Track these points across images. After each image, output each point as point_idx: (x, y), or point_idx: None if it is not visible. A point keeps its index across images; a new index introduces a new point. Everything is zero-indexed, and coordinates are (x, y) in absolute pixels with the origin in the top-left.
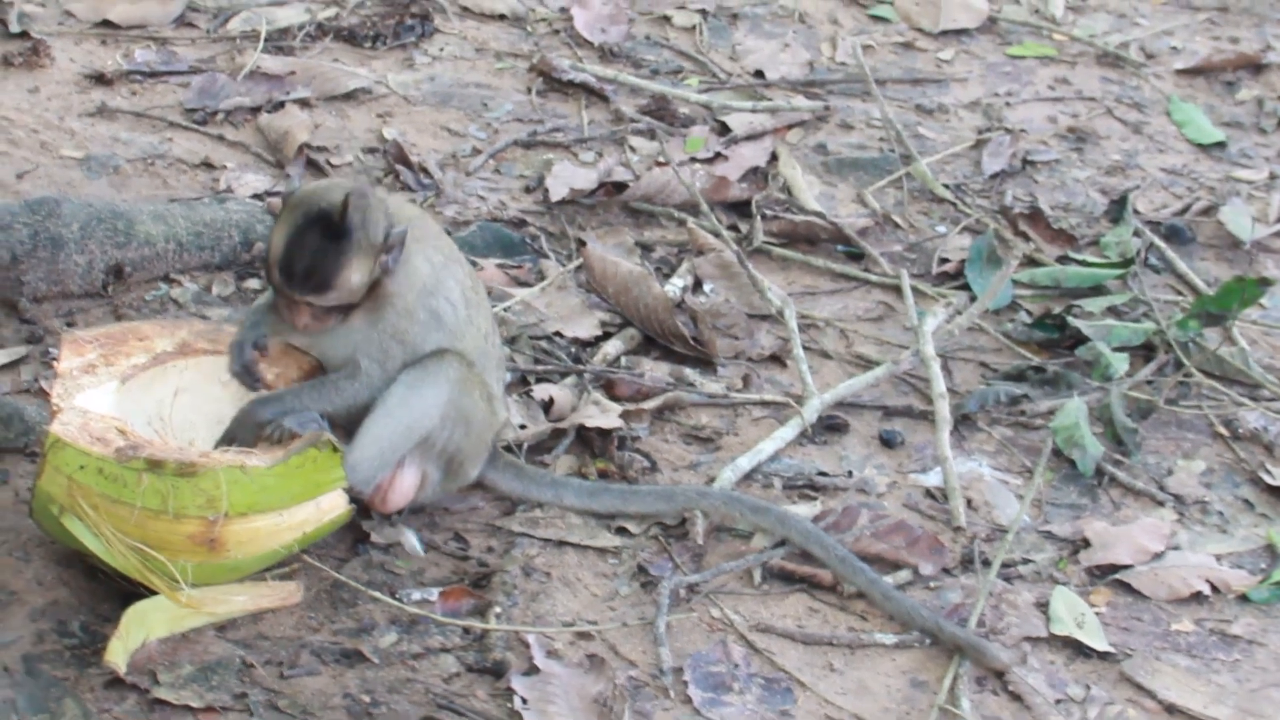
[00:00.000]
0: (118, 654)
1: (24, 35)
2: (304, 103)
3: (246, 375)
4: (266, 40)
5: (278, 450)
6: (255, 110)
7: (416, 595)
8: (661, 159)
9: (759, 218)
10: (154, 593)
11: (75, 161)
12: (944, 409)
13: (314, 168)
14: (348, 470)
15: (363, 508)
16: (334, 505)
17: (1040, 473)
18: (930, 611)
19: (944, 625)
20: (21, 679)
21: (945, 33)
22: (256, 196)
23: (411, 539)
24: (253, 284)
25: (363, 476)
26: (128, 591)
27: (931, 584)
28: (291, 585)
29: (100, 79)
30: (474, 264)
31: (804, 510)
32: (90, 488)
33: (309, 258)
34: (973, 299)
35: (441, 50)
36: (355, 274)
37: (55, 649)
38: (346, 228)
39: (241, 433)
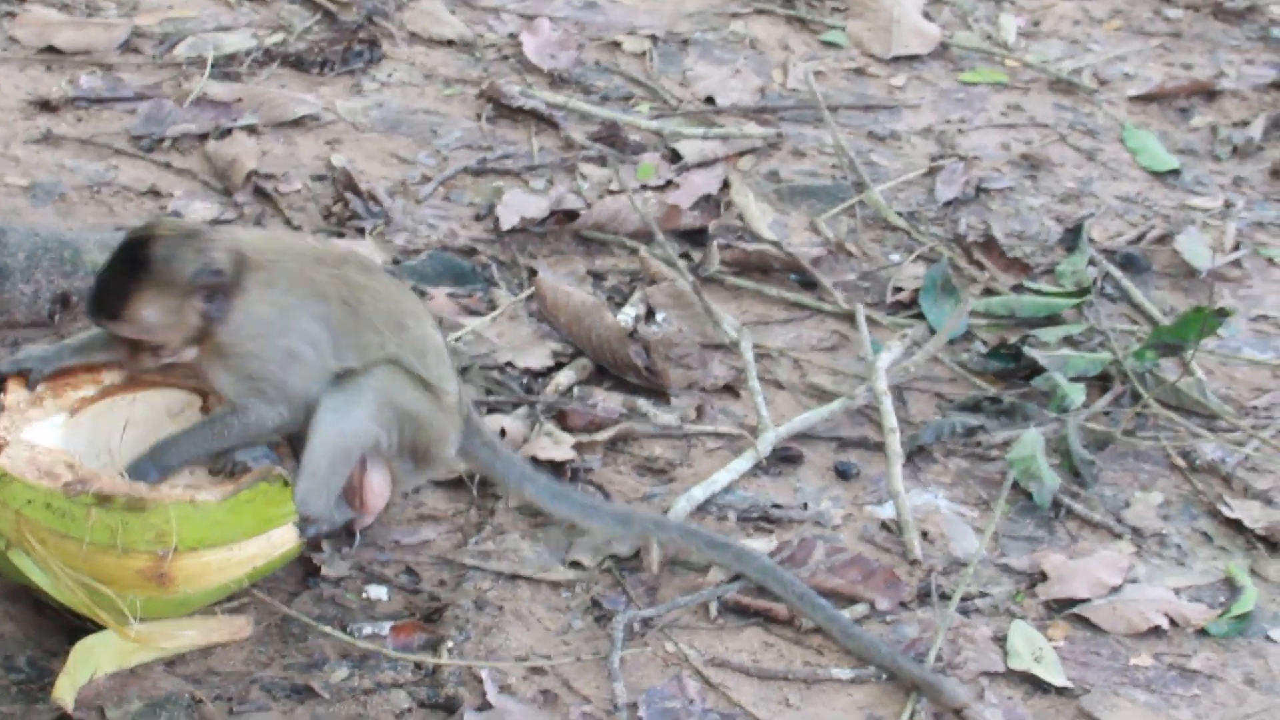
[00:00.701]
0: (65, 690)
1: None
2: (251, 129)
3: None
4: (213, 66)
5: (228, 484)
6: (202, 137)
7: (368, 629)
8: (614, 187)
9: (714, 246)
10: (101, 628)
11: (20, 189)
12: (895, 444)
13: (262, 195)
14: (300, 507)
15: (313, 541)
16: (285, 539)
17: (999, 506)
18: (889, 647)
19: (901, 662)
20: None
21: (897, 59)
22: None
23: (378, 590)
24: None
25: (316, 510)
26: (75, 626)
27: (888, 618)
28: (241, 619)
29: (45, 105)
30: (423, 293)
31: (760, 544)
32: (38, 522)
33: (106, 283)
34: (929, 329)
35: (390, 76)
36: (150, 308)
37: (1, 684)
38: (144, 259)
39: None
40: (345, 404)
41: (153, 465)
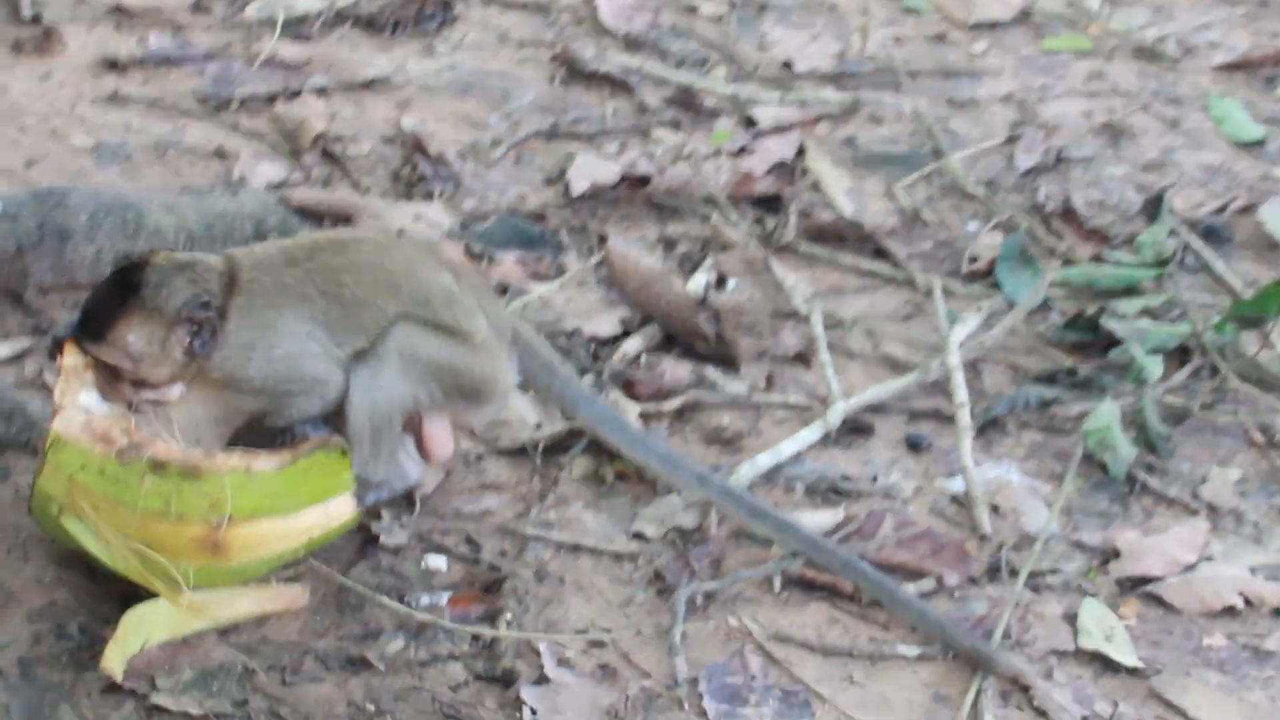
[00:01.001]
0: (114, 660)
1: (35, 21)
2: (321, 91)
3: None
4: (283, 28)
5: (285, 453)
6: (271, 99)
7: (425, 600)
8: (687, 152)
9: (790, 214)
10: (154, 595)
11: (85, 150)
12: (965, 417)
13: (330, 158)
14: (363, 474)
15: (372, 509)
16: (342, 510)
17: (1070, 479)
18: (941, 616)
19: (953, 631)
20: (16, 683)
21: (978, 25)
22: (271, 187)
23: (436, 560)
24: None
25: (377, 479)
26: (128, 593)
27: (956, 594)
28: (296, 589)
29: (113, 65)
30: (490, 259)
31: (827, 516)
32: (91, 488)
33: (93, 306)
34: (1006, 299)
35: (462, 39)
36: (134, 335)
37: (52, 652)
38: (134, 285)
39: None
40: (371, 374)
41: None
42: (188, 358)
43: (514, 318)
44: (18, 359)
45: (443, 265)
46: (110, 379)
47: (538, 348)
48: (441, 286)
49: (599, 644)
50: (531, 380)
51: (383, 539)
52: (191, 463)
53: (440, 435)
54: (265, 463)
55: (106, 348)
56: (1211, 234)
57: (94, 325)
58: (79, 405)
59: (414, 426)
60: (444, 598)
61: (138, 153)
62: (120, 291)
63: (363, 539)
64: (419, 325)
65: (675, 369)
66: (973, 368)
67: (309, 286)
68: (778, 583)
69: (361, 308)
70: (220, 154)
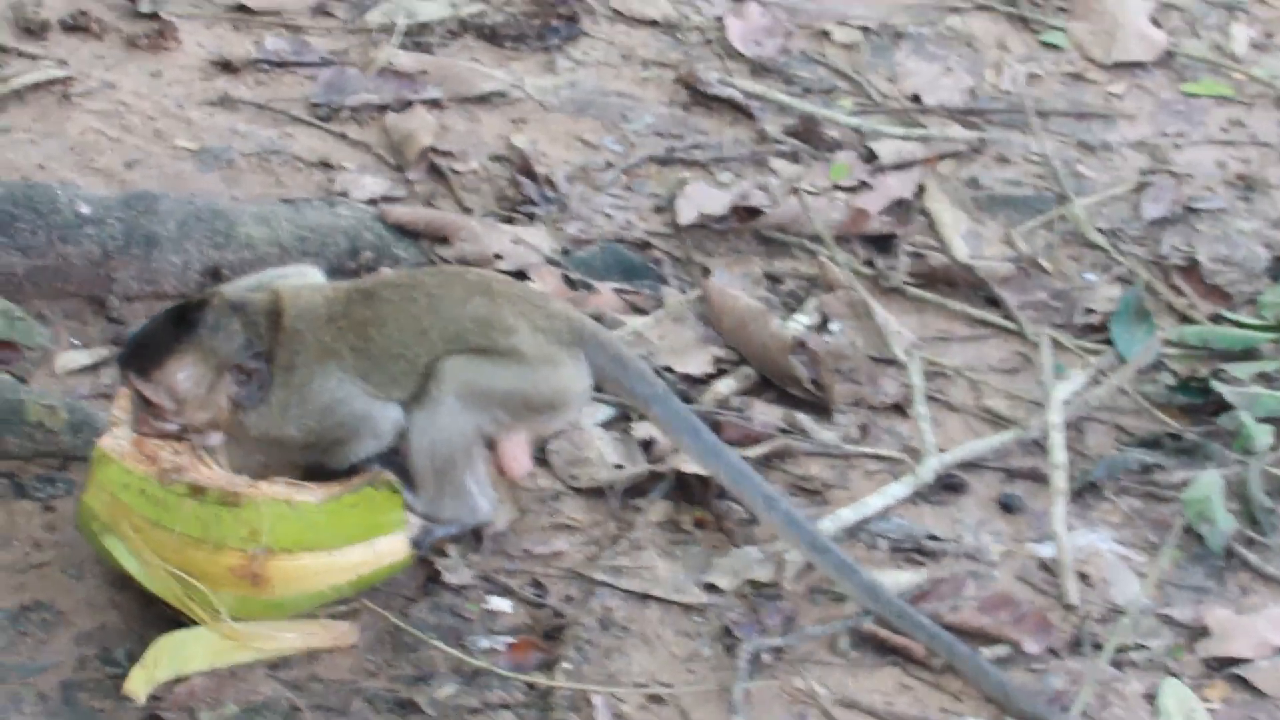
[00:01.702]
0: (138, 683)
1: (154, 16)
2: (434, 103)
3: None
4: (404, 35)
5: (332, 487)
6: (383, 109)
7: (484, 644)
8: (798, 186)
9: (901, 255)
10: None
11: (188, 153)
12: (1060, 481)
13: (436, 173)
14: (430, 513)
15: (439, 546)
16: (393, 549)
17: (1167, 550)
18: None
19: (1015, 696)
20: (58, 707)
21: (1118, 65)
22: (371, 201)
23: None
24: None
25: (445, 516)
26: (180, 620)
27: (1035, 665)
28: (346, 626)
29: (226, 66)
30: (589, 286)
31: (909, 576)
32: (132, 508)
33: (144, 339)
34: (1117, 356)
35: (586, 55)
36: (182, 374)
37: (96, 677)
38: (191, 321)
39: None
40: (427, 414)
41: None
42: (232, 406)
43: (575, 315)
44: (94, 368)
45: (472, 289)
46: (151, 416)
47: (605, 341)
48: (470, 315)
49: (658, 699)
50: (602, 376)
51: (446, 576)
52: (231, 490)
53: (516, 452)
54: (308, 495)
55: (152, 384)
56: None
57: (143, 360)
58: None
59: (488, 450)
60: (502, 642)
61: (240, 159)
62: (174, 328)
63: (425, 575)
64: (464, 356)
65: (766, 413)
66: (1075, 427)
67: (342, 344)
68: (846, 642)
69: (390, 360)
70: (324, 164)
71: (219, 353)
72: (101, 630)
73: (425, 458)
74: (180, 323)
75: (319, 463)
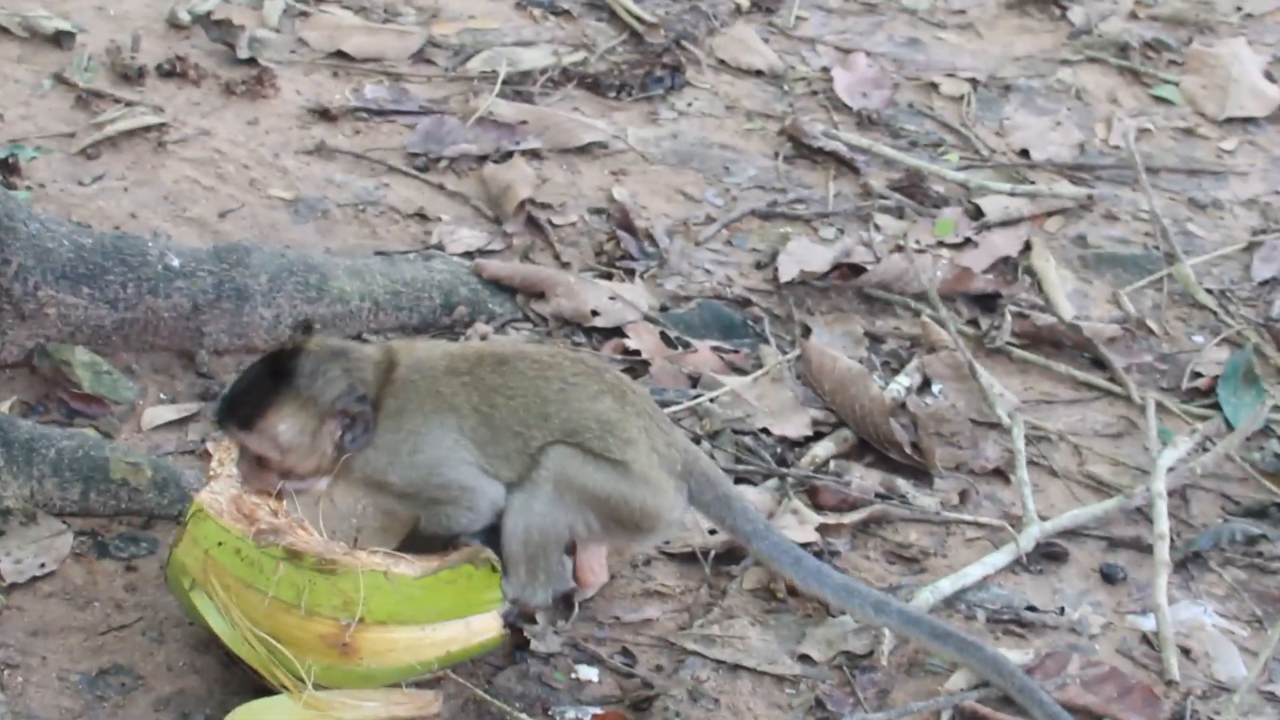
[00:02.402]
0: None
1: (251, 62)
2: (534, 154)
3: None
4: (506, 83)
5: (431, 560)
6: (482, 159)
7: (571, 714)
8: (903, 243)
9: (1007, 316)
10: (278, 688)
11: (283, 202)
12: (1163, 552)
13: (534, 226)
14: (522, 598)
15: (525, 613)
16: (486, 627)
17: (1274, 626)
18: None
19: None
20: None
21: (1231, 120)
22: (468, 255)
23: (588, 671)
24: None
25: (535, 603)
26: (259, 687)
27: None
28: (429, 695)
29: (324, 114)
30: (687, 345)
31: (1009, 650)
32: (225, 566)
33: (243, 391)
34: (1225, 421)
35: (690, 105)
36: (285, 425)
37: None
38: (289, 370)
39: None
40: (525, 500)
41: None
42: (337, 452)
43: (692, 448)
44: (182, 423)
45: (606, 389)
46: (256, 467)
47: (714, 479)
48: (597, 414)
49: None
50: (707, 510)
51: (534, 644)
52: (328, 556)
53: (594, 564)
54: (407, 568)
55: (255, 436)
56: None
57: (243, 412)
58: (233, 476)
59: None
60: (589, 714)
61: (335, 209)
62: (272, 378)
63: (513, 643)
64: (576, 451)
65: (864, 478)
66: (1180, 495)
67: (462, 399)
68: (946, 717)
69: (509, 435)
70: (421, 215)
71: (320, 399)
72: (180, 695)
73: (519, 542)
74: (277, 372)
75: (415, 520)
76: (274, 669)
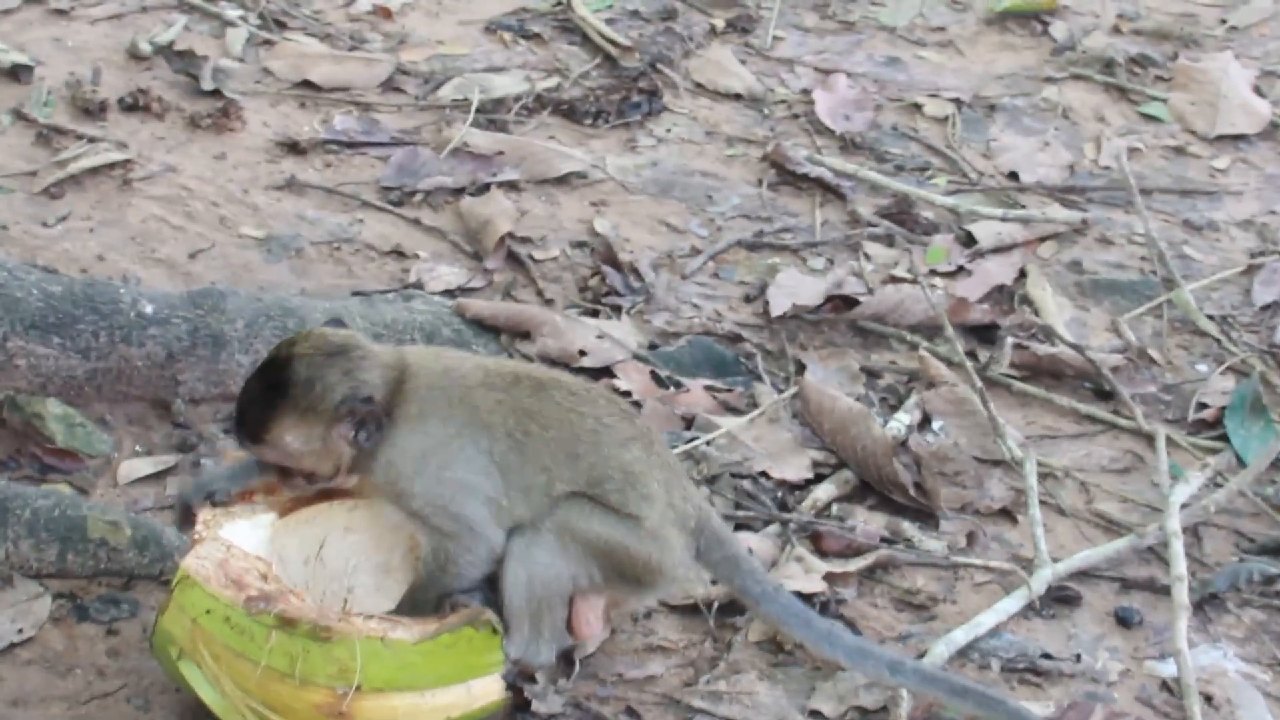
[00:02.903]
0: None
1: (216, 94)
2: (512, 186)
3: (183, 520)
4: (479, 111)
5: (429, 623)
6: (458, 192)
7: None
8: (899, 272)
9: (1007, 346)
10: None
11: (255, 241)
12: (1182, 595)
13: (515, 261)
14: (525, 657)
15: (521, 670)
16: (487, 691)
17: None
18: None
19: None
20: None
21: (1221, 138)
22: (448, 293)
23: None
24: None
25: (543, 659)
26: None
27: None
28: None
29: (293, 147)
30: (679, 384)
31: (1026, 700)
32: (214, 635)
33: (247, 405)
34: (1235, 455)
35: (668, 131)
36: (291, 434)
37: None
38: (285, 380)
39: None
40: (526, 548)
41: None
42: (355, 449)
43: (706, 506)
44: (159, 476)
45: (636, 436)
46: (280, 475)
47: (724, 538)
48: (623, 464)
49: None
50: (715, 570)
51: (535, 705)
52: (323, 623)
53: (590, 616)
54: (404, 632)
55: (266, 449)
56: None
57: (250, 426)
58: (220, 540)
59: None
60: None
61: (309, 247)
62: (270, 389)
63: (513, 703)
64: (586, 504)
65: (868, 521)
66: (1193, 533)
67: (497, 419)
68: None
69: (535, 470)
70: (398, 252)
71: (321, 405)
72: None
73: (521, 596)
74: (273, 383)
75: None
76: None
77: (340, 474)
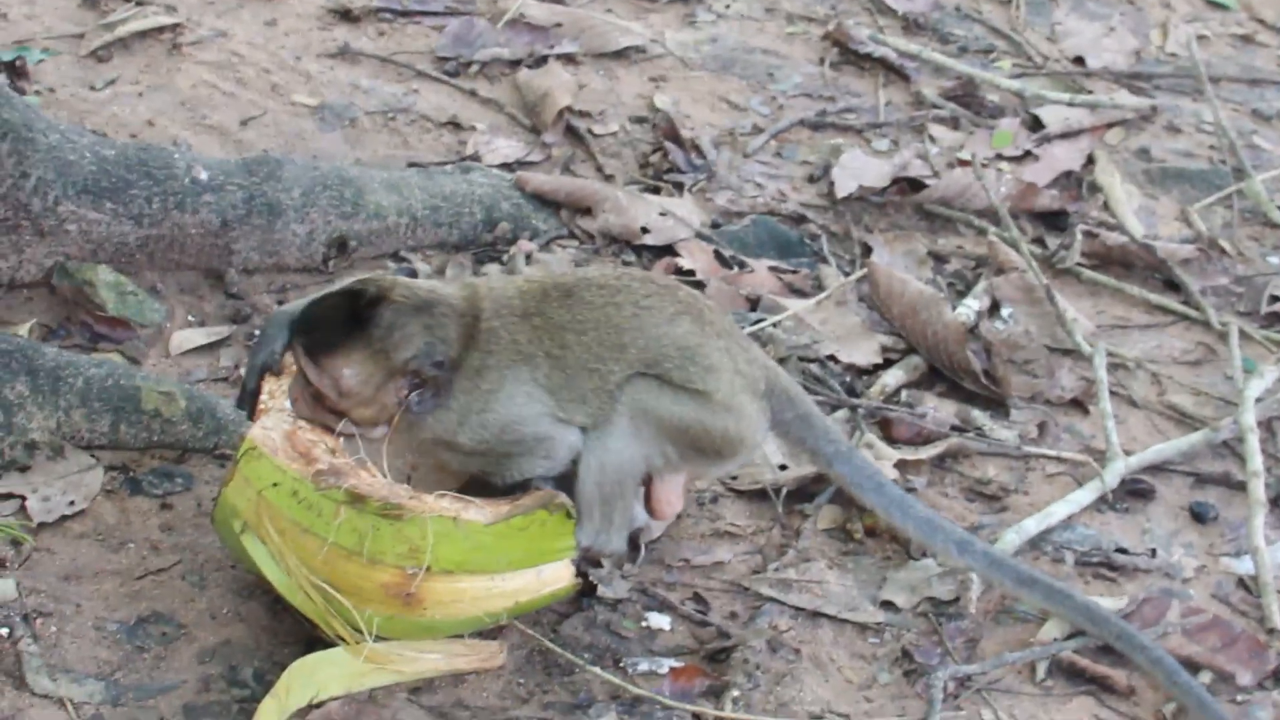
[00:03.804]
0: (270, 715)
1: None
2: (569, 59)
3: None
4: None
5: (501, 506)
6: (514, 64)
7: (644, 666)
8: (965, 155)
9: (1077, 235)
10: (333, 640)
11: (308, 109)
12: (1258, 490)
13: (574, 136)
14: (595, 545)
15: (589, 557)
16: (557, 576)
17: None
18: None
19: None
20: None
21: None
22: (505, 166)
23: (659, 619)
24: (492, 269)
25: (609, 550)
26: (312, 636)
27: (1239, 697)
28: (493, 646)
29: (345, 15)
30: (743, 264)
31: (1100, 595)
32: (280, 510)
33: (321, 314)
34: None
35: (727, 7)
36: (351, 369)
37: (221, 700)
38: (368, 316)
39: None
40: (600, 438)
41: None
42: (399, 409)
43: (772, 365)
44: (213, 347)
45: (683, 309)
46: (309, 397)
47: (795, 396)
48: (675, 340)
49: None
50: (785, 432)
51: (601, 590)
52: (394, 501)
53: (671, 495)
54: (477, 514)
55: (318, 371)
56: None
57: (312, 341)
58: (285, 410)
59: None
60: (665, 665)
61: (364, 117)
62: (351, 318)
63: (578, 589)
64: (653, 383)
65: (939, 409)
66: (1267, 427)
67: (536, 347)
68: (1042, 670)
69: (584, 375)
70: (454, 123)
71: (394, 355)
72: (227, 646)
73: (593, 483)
74: (357, 314)
75: (480, 473)
76: (331, 620)
77: (373, 424)
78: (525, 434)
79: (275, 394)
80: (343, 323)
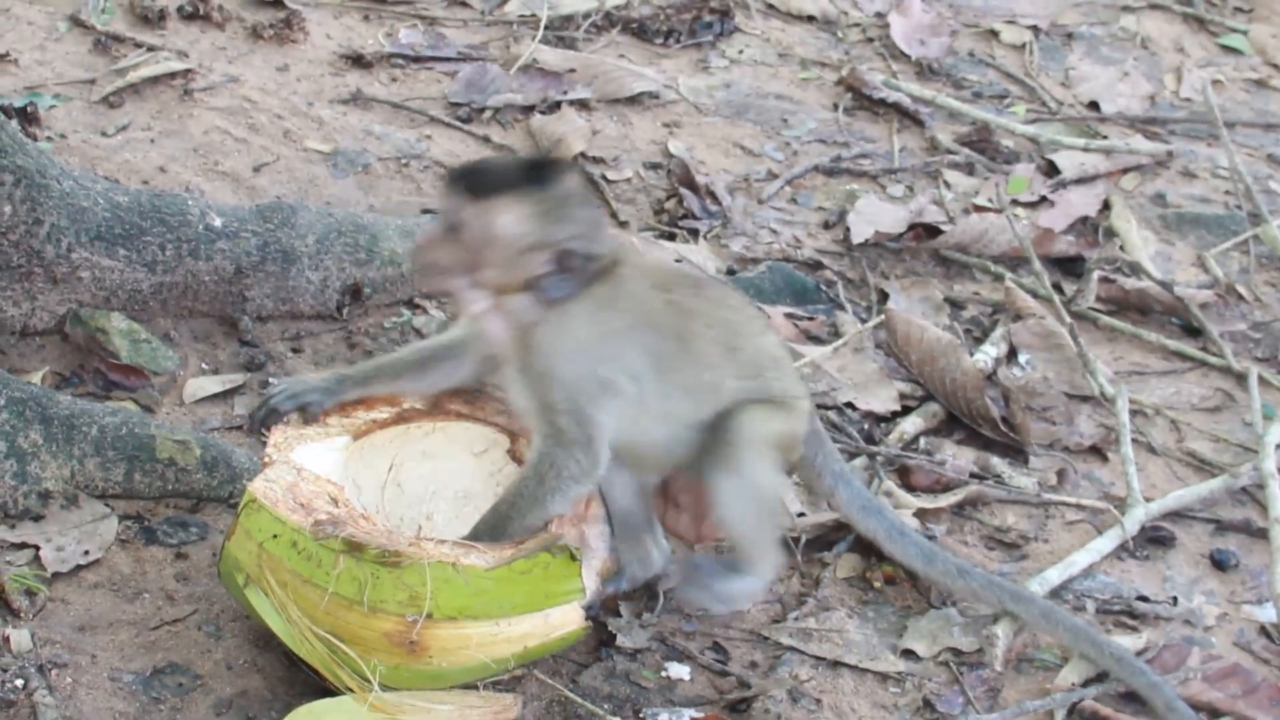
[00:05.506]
0: None
1: (278, 4)
2: (582, 104)
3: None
4: (547, 28)
5: (504, 550)
6: (528, 109)
7: (664, 716)
8: (980, 200)
9: (1093, 279)
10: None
11: (320, 155)
12: (1279, 536)
13: (588, 182)
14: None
15: (609, 603)
16: (566, 620)
17: None
18: None
19: None
20: None
21: None
22: None
23: (679, 669)
24: None
25: (772, 575)
26: (323, 688)
27: None
28: (508, 699)
29: (357, 60)
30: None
31: (1126, 643)
32: (281, 561)
33: (498, 165)
34: None
35: (741, 53)
36: (511, 216)
37: None
38: (552, 179)
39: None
40: (737, 480)
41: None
42: (528, 289)
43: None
44: (226, 395)
45: (759, 321)
46: (444, 251)
47: (812, 412)
48: (770, 351)
49: None
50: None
51: (620, 639)
52: (392, 548)
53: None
54: (477, 558)
55: (474, 210)
56: None
57: (482, 181)
58: (291, 463)
59: (659, 506)
60: (685, 716)
61: (377, 163)
62: (531, 175)
63: (597, 639)
64: (760, 409)
65: (957, 456)
66: None
67: (665, 317)
68: (1061, 716)
69: (701, 368)
70: None
71: (555, 226)
72: (243, 697)
73: (749, 525)
74: (539, 175)
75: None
76: (336, 669)
77: (492, 294)
78: (598, 420)
79: (281, 447)
80: (518, 177)
